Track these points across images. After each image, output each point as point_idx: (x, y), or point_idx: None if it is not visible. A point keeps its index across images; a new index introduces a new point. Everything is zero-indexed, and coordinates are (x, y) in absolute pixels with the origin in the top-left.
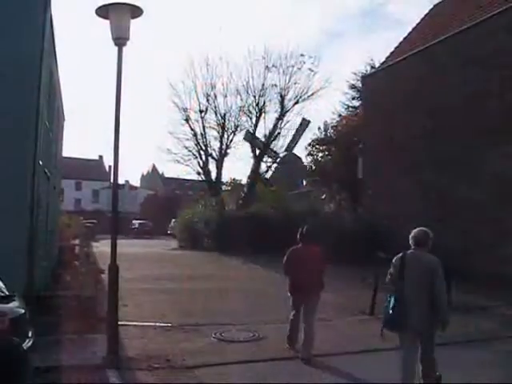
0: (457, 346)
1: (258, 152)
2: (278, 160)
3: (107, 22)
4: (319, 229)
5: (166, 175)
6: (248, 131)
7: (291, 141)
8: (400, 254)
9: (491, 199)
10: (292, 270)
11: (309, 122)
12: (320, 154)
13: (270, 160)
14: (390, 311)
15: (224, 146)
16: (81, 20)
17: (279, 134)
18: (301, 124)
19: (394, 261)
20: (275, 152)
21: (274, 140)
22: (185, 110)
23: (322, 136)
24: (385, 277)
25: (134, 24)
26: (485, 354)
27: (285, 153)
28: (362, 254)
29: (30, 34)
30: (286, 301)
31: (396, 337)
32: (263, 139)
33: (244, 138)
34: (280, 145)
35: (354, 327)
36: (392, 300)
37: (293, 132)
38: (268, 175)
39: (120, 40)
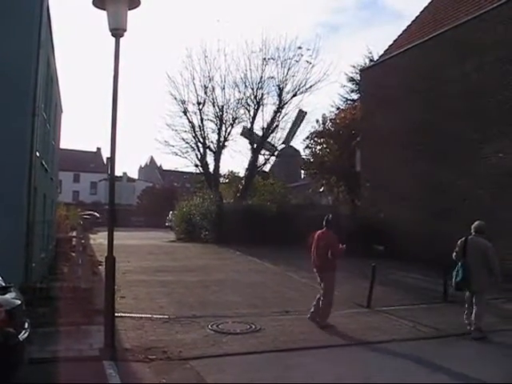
0: (451, 338)
1: (255, 145)
2: (276, 153)
3: (104, 12)
4: (318, 220)
5: (164, 167)
6: (245, 127)
7: (288, 133)
8: (463, 238)
9: (488, 192)
10: (311, 249)
11: (305, 113)
12: (318, 147)
13: (267, 153)
14: (458, 278)
15: (222, 139)
16: (79, 10)
17: (277, 126)
18: (297, 115)
19: (458, 243)
20: (273, 145)
21: (271, 133)
22: (183, 102)
23: (321, 129)
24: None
25: (132, 15)
26: (478, 347)
27: (282, 145)
28: (359, 246)
29: (27, 25)
30: (282, 293)
31: (391, 330)
32: (261, 132)
33: (241, 134)
34: (278, 137)
35: (352, 320)
36: (460, 270)
37: (290, 124)
38: (266, 168)
39: (117, 31)
